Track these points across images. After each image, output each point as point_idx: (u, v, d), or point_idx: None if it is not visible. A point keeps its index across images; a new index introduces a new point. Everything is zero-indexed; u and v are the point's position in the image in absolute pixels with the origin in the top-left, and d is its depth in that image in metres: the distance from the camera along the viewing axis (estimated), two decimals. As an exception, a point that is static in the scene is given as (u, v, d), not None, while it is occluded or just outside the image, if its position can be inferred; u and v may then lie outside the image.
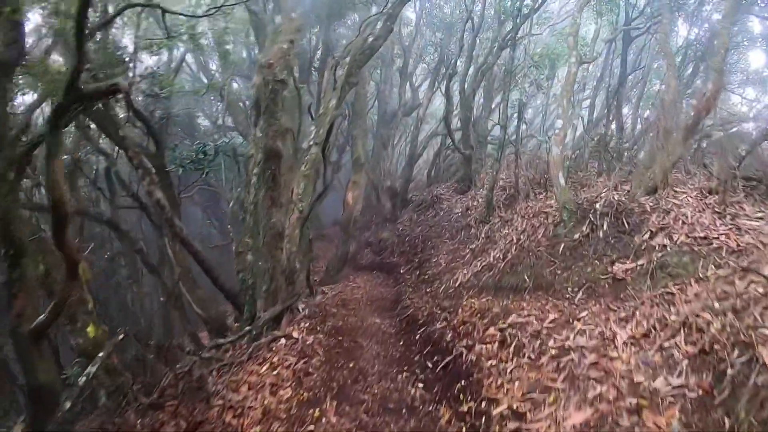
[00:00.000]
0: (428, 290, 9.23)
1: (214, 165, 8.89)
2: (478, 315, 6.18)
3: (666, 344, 4.26)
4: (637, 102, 15.20)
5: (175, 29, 10.50)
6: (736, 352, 3.71)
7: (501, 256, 8.07)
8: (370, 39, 8.65)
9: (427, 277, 10.22)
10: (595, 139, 12.29)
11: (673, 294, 4.91)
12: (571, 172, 10.17)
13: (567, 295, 5.92)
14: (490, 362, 4.96)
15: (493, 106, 16.21)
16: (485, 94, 15.58)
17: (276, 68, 6.14)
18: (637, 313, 4.85)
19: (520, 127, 11.89)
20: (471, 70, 14.44)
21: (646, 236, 6.07)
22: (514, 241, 8.14)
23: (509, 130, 12.95)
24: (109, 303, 17.66)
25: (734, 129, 13.24)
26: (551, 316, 5.32)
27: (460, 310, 6.76)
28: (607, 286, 5.69)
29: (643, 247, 5.93)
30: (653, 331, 4.47)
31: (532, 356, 4.73)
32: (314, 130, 7.97)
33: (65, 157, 13.20)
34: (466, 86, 14.23)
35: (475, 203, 12.69)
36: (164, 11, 5.13)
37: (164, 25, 5.93)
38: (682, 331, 4.28)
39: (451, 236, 11.91)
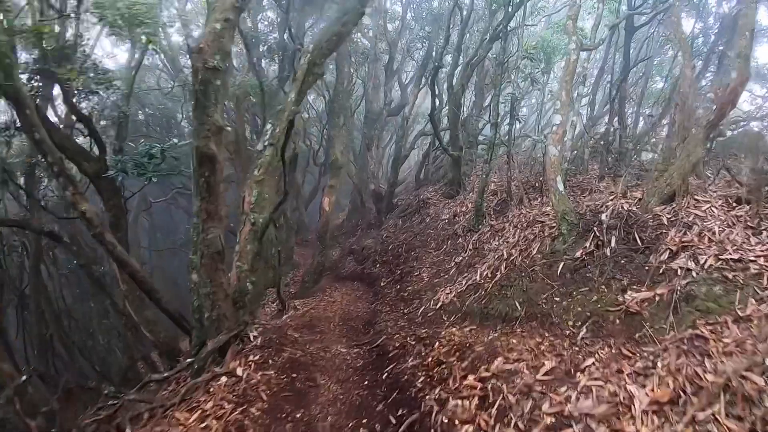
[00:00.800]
0: (406, 311, 8.07)
1: (162, 170, 7.67)
2: (457, 354, 5.01)
3: (701, 416, 3.11)
4: (640, 99, 14.09)
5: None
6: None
7: (489, 275, 6.91)
8: (339, 25, 7.50)
9: (406, 294, 9.06)
10: (596, 137, 11.19)
11: (705, 339, 3.76)
12: (570, 175, 9.06)
13: (567, 331, 4.76)
14: (465, 429, 3.79)
15: (484, 103, 15.06)
16: (475, 90, 14.43)
17: (207, 53, 4.95)
18: (659, 364, 3.69)
19: (513, 125, 10.75)
20: (460, 64, 13.30)
21: (665, 256, 4.92)
22: (505, 256, 6.98)
23: (501, 129, 11.86)
24: (73, 313, 16.50)
25: (740, 129, 12.20)
26: (547, 364, 4.15)
27: (437, 344, 5.60)
28: (617, 321, 4.52)
29: (661, 271, 4.77)
30: (682, 394, 3.32)
31: (521, 425, 3.55)
32: (269, 129, 6.81)
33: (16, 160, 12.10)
34: (454, 81, 13.07)
35: (463, 209, 11.56)
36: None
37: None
38: (722, 397, 3.14)
39: (437, 246, 10.76)
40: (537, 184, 9.61)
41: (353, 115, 20.38)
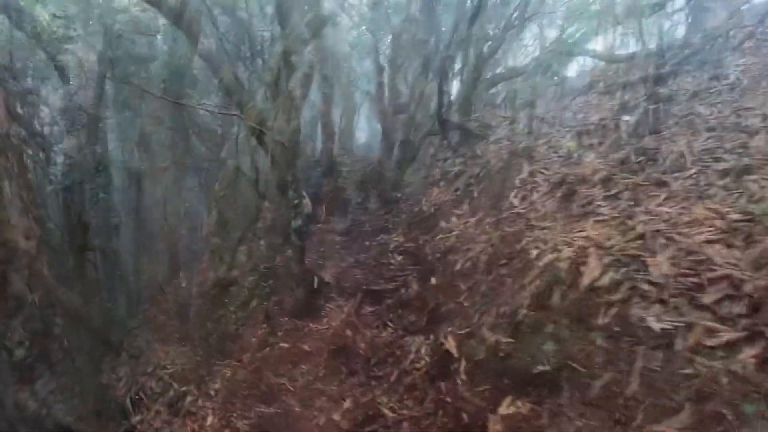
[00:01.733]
0: (409, 349, 6.78)
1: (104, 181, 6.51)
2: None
3: None
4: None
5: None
6: None
7: (508, 312, 5.58)
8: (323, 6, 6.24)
9: (409, 323, 7.80)
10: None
11: None
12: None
13: (621, 415, 3.41)
14: None
15: (498, 100, 13.71)
16: (488, 84, 13.07)
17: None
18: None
19: (531, 123, 9.41)
20: (471, 55, 11.99)
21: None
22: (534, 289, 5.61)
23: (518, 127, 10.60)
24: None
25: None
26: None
27: (440, 413, 4.30)
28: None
29: None
30: None
31: None
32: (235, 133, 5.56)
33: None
34: (464, 76, 11.75)
35: (472, 218, 10.24)
36: None
37: None
38: None
39: (451, 262, 9.46)
40: (560, 194, 8.21)
41: (358, 113, 19.19)
